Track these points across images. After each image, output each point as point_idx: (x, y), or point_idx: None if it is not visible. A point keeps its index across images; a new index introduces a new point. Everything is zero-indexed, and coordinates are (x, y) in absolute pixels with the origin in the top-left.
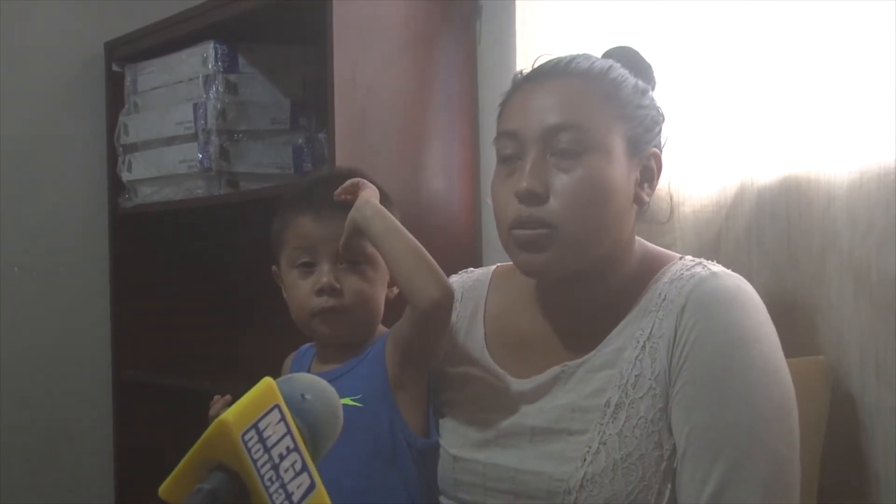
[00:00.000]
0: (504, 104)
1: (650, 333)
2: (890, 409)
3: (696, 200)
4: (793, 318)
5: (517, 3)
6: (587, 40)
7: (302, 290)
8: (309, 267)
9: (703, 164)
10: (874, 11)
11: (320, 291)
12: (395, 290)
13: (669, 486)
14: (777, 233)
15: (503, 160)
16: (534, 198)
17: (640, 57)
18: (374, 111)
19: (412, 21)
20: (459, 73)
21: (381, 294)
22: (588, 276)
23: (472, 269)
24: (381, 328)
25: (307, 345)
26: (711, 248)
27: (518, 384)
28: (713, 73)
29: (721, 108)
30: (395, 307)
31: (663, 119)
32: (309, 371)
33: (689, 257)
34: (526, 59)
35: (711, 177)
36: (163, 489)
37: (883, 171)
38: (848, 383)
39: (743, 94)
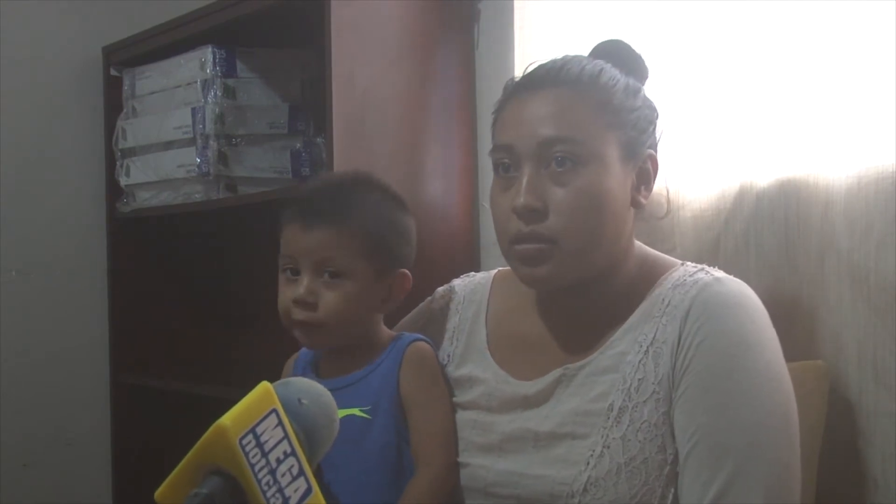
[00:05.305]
0: (497, 113)
1: (653, 338)
2: (888, 413)
3: (696, 204)
4: (791, 321)
5: (515, 5)
6: (586, 43)
7: (283, 297)
8: (295, 275)
9: (702, 169)
10: (873, 15)
11: (295, 302)
12: (392, 305)
13: (672, 490)
14: (775, 236)
15: (500, 172)
16: (533, 214)
17: (629, 49)
18: (372, 115)
19: (410, 24)
20: (457, 76)
21: (362, 309)
22: (588, 283)
23: (473, 273)
24: (388, 331)
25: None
26: (710, 251)
27: (521, 387)
28: (712, 76)
29: (719, 112)
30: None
31: (657, 115)
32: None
33: (690, 263)
34: (524, 61)
35: (710, 181)
36: (159, 494)
37: (881, 174)
38: (846, 387)
39: (741, 99)
